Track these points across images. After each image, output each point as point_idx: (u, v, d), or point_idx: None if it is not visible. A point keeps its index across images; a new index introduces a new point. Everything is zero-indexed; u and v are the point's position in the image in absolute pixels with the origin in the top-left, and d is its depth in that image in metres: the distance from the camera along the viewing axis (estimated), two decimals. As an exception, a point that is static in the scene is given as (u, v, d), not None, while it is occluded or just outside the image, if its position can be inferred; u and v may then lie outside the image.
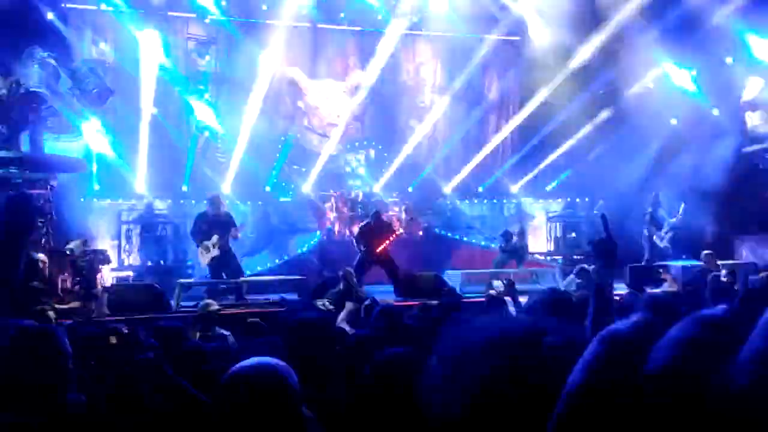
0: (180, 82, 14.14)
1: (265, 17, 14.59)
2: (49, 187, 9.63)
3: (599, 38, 13.77)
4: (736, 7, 12.22)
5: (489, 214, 16.44)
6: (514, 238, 12.19)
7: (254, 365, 1.90)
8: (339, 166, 15.75)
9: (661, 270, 10.42)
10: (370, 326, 4.93)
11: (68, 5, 13.15)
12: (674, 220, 11.73)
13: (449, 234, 14.94)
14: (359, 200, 14.49)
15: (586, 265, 8.49)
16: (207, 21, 14.36)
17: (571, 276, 9.01)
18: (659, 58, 14.01)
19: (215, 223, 10.10)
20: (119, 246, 12.42)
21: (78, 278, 9.11)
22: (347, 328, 5.29)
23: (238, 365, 1.91)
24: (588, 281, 7.19)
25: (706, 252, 10.25)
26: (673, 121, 13.50)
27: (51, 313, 6.18)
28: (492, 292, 7.27)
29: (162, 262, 11.76)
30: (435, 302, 6.41)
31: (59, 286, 9.12)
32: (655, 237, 11.57)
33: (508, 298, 6.43)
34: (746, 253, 12.73)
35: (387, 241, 10.86)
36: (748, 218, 13.13)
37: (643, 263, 11.46)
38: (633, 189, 14.79)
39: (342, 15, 15.52)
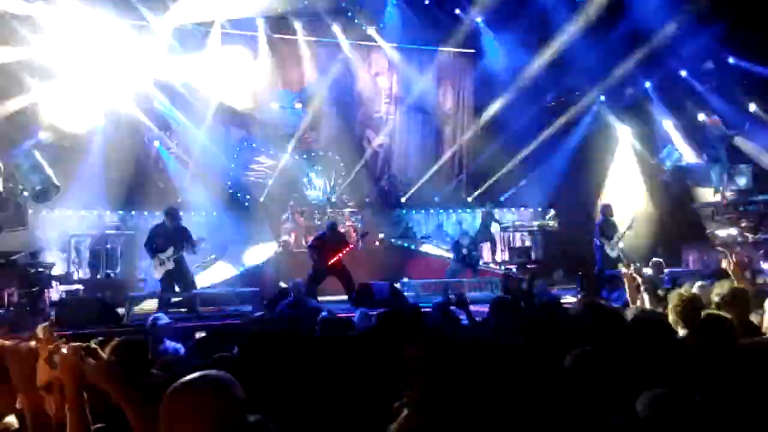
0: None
1: (219, 26, 14.45)
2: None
3: (550, 52, 14.03)
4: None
5: (445, 224, 16.57)
6: (465, 249, 12.27)
7: (198, 377, 1.94)
8: (295, 176, 15.67)
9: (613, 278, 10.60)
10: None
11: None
12: (625, 230, 11.93)
13: (405, 244, 14.98)
14: (315, 211, 14.39)
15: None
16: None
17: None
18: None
19: (171, 236, 9.87)
20: (68, 258, 12.08)
21: (25, 291, 8.85)
22: None
23: (182, 379, 1.94)
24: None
25: (654, 260, 10.48)
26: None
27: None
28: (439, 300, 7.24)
29: (112, 275, 11.43)
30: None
31: (5, 299, 8.84)
32: (605, 246, 11.76)
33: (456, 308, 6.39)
34: (693, 260, 13.06)
35: (341, 252, 10.82)
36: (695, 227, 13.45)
37: (595, 272, 11.65)
38: (586, 199, 15.10)
39: (298, 25, 15.46)
